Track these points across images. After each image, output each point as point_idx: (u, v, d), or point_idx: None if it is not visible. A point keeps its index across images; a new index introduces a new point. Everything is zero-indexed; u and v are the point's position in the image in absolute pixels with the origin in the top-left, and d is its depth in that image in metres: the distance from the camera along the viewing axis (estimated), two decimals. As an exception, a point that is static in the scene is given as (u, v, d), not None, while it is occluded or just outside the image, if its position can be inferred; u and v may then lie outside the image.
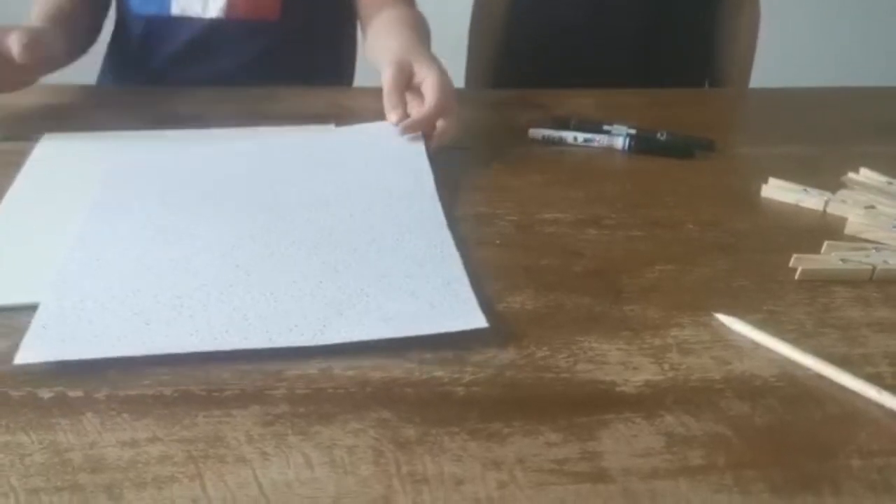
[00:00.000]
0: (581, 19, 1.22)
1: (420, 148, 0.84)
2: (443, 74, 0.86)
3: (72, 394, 0.52)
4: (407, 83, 0.86)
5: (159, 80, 1.10)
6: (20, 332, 0.57)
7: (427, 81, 0.85)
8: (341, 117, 0.95)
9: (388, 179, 0.78)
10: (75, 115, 0.94)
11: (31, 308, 0.59)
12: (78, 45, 1.06)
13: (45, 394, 0.52)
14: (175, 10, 1.07)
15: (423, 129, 0.85)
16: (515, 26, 1.29)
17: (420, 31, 1.01)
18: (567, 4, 1.23)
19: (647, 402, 0.53)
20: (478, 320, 0.59)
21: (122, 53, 1.14)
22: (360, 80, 1.25)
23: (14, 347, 0.55)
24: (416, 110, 0.85)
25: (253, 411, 0.51)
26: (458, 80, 1.26)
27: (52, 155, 0.84)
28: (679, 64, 1.26)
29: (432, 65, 0.86)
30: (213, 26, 1.07)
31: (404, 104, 0.85)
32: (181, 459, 0.47)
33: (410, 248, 0.68)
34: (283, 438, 0.49)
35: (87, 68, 1.13)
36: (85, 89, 1.04)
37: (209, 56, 1.08)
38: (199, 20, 1.07)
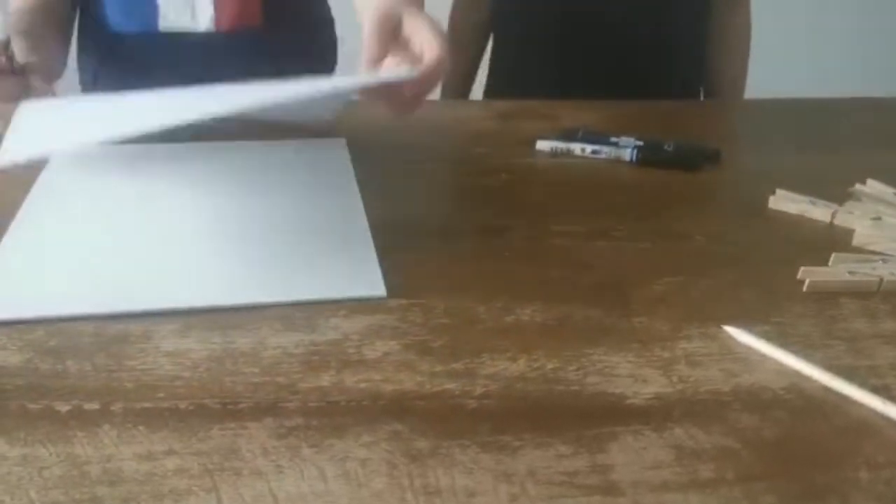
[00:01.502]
0: (568, 29, 1.22)
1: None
2: (436, 25, 0.73)
3: (88, 406, 0.52)
4: (392, 35, 0.73)
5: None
6: (35, 345, 0.58)
7: (421, 33, 0.72)
8: (340, 123, 0.95)
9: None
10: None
11: (46, 321, 0.60)
12: (65, 40, 1.02)
13: (62, 407, 0.52)
14: (163, 25, 1.05)
15: (422, 87, 0.73)
16: (498, 37, 1.30)
17: None
18: (550, 14, 1.23)
19: (656, 415, 0.54)
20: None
21: (106, 74, 1.12)
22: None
23: (29, 361, 0.56)
24: (413, 62, 0.72)
25: (267, 424, 0.52)
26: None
27: (65, 167, 0.85)
28: (671, 75, 1.26)
29: (423, 15, 0.73)
30: (201, 39, 1.05)
31: (384, 58, 0.74)
32: (197, 472, 0.48)
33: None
34: (298, 451, 0.50)
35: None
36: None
37: (199, 68, 1.07)
38: (189, 34, 1.05)
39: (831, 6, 2.30)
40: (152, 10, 1.04)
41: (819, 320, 0.64)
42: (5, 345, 0.58)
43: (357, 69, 0.74)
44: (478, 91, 1.33)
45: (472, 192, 0.83)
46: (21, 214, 0.75)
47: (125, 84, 1.08)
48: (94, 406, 0.53)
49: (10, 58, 0.81)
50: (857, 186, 0.84)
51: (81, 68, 1.14)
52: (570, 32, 1.21)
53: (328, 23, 1.18)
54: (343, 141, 0.93)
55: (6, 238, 0.71)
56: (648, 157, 0.91)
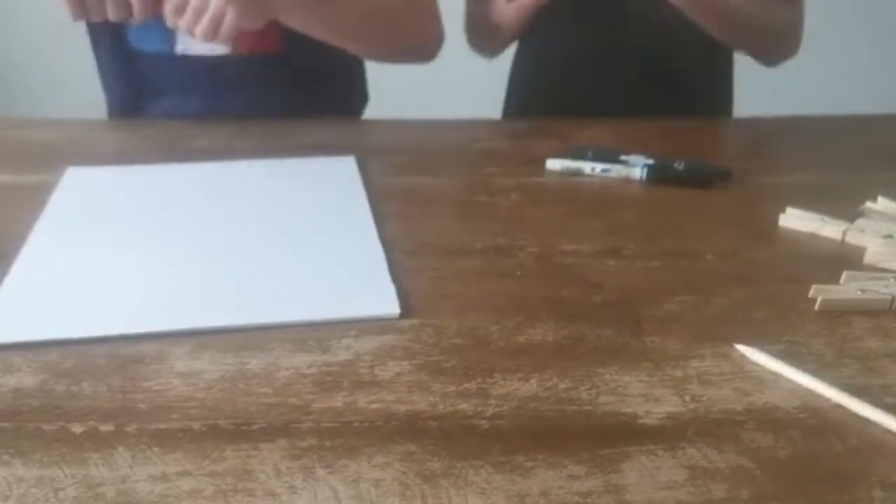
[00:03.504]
0: (584, 51, 1.22)
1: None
2: None
3: (103, 428, 0.53)
4: None
5: (166, 115, 1.10)
6: (50, 367, 0.58)
7: None
8: (357, 149, 0.96)
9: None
10: (97, 148, 0.96)
11: (61, 343, 0.60)
12: None
13: (78, 428, 0.53)
14: (180, 47, 1.07)
15: None
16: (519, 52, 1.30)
17: None
18: (570, 38, 1.23)
19: (669, 435, 0.53)
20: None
21: (126, 92, 1.13)
22: (372, 111, 1.27)
23: (45, 382, 0.57)
24: None
25: (280, 445, 0.52)
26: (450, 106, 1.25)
27: (77, 188, 0.85)
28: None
29: None
30: (219, 63, 1.06)
31: None
32: (211, 493, 0.48)
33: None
34: (311, 472, 0.50)
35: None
36: (105, 123, 1.06)
37: (216, 92, 1.08)
38: (205, 58, 1.06)
39: (842, 24, 2.30)
40: (170, 33, 1.06)
41: (831, 339, 0.63)
42: (20, 366, 0.58)
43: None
44: (491, 106, 1.33)
45: (482, 211, 0.84)
46: (34, 235, 0.75)
47: (145, 103, 1.10)
48: (109, 427, 0.53)
49: None
50: (868, 204, 0.84)
51: (106, 88, 1.16)
52: (586, 57, 1.21)
53: (357, 66, 1.19)
54: (352, 159, 0.94)
55: (20, 260, 0.71)
56: (659, 175, 0.91)
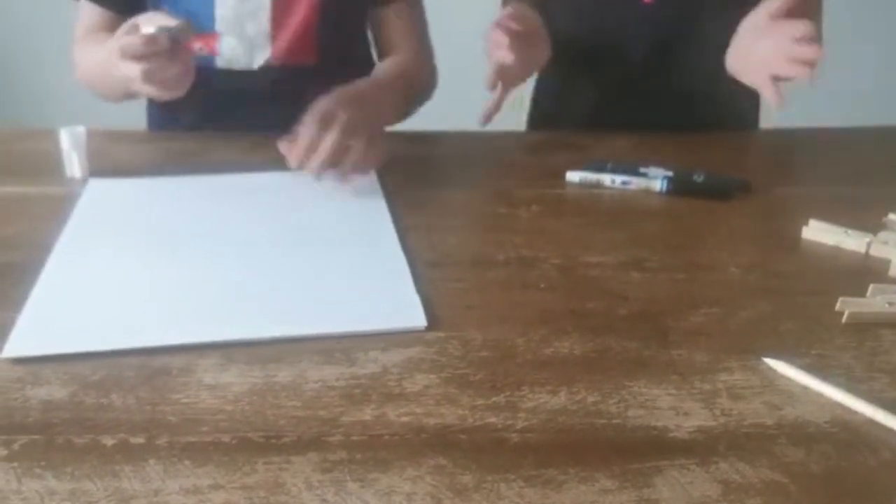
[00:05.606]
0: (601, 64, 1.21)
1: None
2: (353, 114, 0.88)
3: (133, 440, 0.53)
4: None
5: (203, 125, 1.11)
6: (80, 379, 0.58)
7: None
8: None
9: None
10: (119, 160, 0.96)
11: (90, 355, 0.60)
12: None
13: (108, 440, 0.53)
14: (220, 62, 1.08)
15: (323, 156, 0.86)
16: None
17: (389, 83, 1.05)
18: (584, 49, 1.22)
19: (701, 449, 0.53)
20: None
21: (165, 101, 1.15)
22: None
23: (74, 395, 0.57)
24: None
25: (311, 458, 0.52)
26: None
27: (100, 200, 0.86)
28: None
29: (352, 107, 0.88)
30: (257, 75, 1.08)
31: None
32: (244, 507, 0.48)
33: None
34: (343, 485, 0.50)
35: (132, 112, 1.16)
36: (128, 135, 1.06)
37: (253, 103, 1.09)
38: (244, 71, 1.08)
39: (859, 35, 2.29)
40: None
41: (860, 352, 0.63)
42: (50, 379, 0.58)
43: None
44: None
45: (503, 222, 0.84)
46: (59, 247, 0.76)
47: (184, 114, 1.11)
48: (140, 440, 0.53)
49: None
50: (891, 216, 0.84)
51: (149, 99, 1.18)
52: (603, 68, 1.20)
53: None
54: (372, 171, 0.94)
55: (46, 271, 0.71)
56: (679, 187, 0.91)
